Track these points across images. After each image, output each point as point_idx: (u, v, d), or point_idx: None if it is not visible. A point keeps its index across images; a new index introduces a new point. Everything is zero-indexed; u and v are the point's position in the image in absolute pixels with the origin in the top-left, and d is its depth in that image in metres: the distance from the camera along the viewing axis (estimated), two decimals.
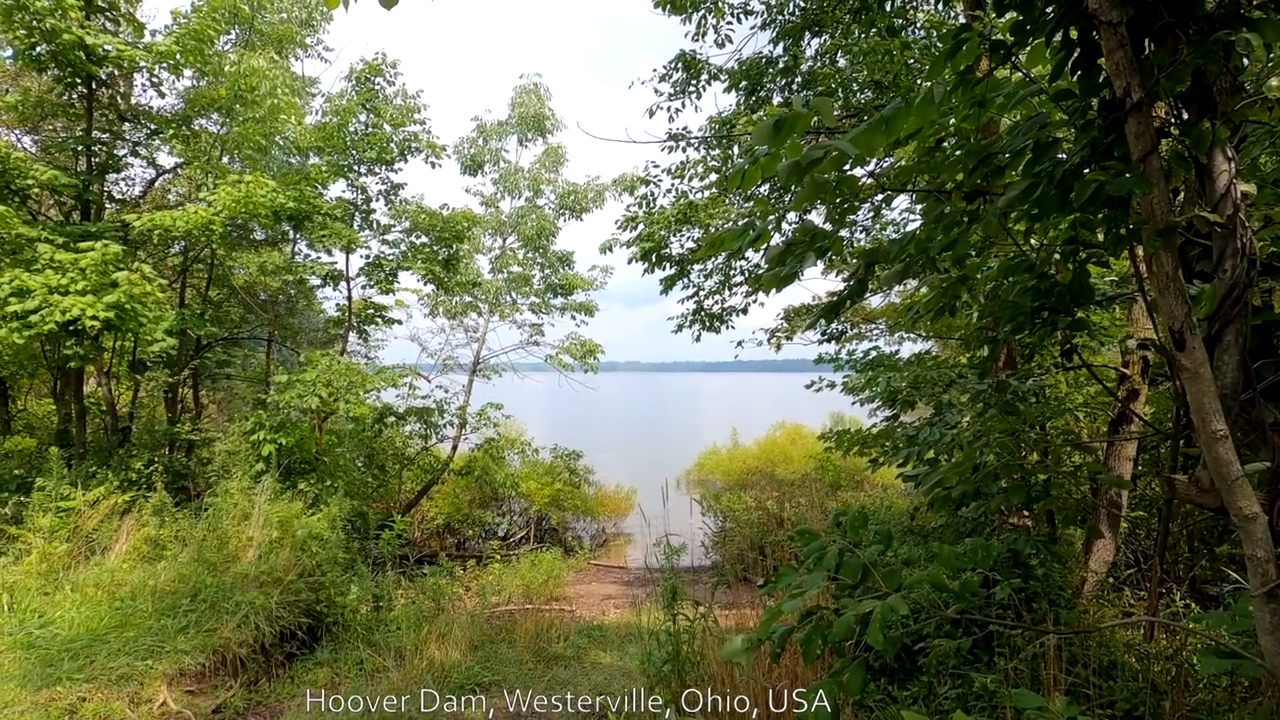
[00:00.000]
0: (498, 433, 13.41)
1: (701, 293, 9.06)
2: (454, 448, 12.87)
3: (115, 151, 8.34)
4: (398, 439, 12.61)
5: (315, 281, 9.93)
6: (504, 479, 12.94)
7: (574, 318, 14.08)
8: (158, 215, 7.52)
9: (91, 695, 4.24)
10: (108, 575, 5.80)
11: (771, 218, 2.90)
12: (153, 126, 8.36)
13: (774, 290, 2.66)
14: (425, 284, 10.11)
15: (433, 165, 9.16)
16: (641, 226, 7.55)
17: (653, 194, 7.82)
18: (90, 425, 9.92)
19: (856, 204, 2.98)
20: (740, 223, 2.49)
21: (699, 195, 7.48)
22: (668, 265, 8.04)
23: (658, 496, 19.39)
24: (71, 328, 6.72)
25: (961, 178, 2.73)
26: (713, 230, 7.23)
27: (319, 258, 9.56)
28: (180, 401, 9.56)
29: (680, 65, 7.07)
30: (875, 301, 11.86)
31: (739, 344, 8.84)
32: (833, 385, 10.12)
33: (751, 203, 7.42)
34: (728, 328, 9.38)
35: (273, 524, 6.88)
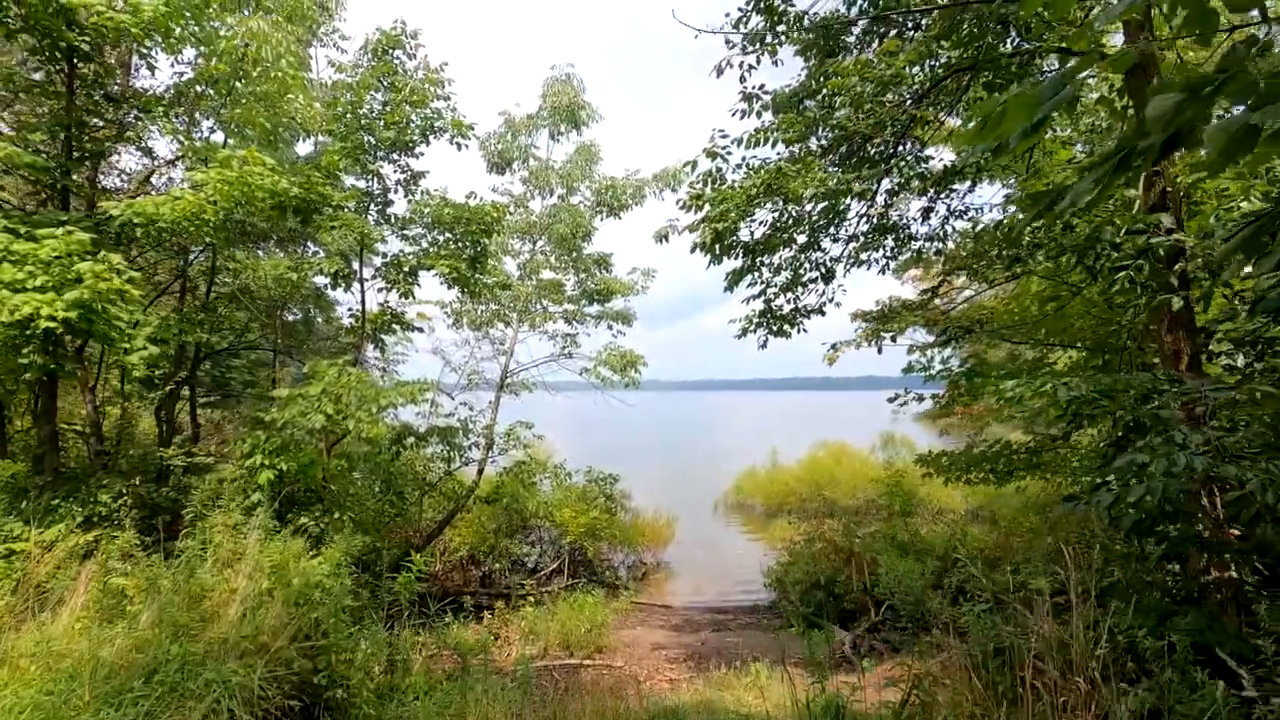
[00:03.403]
0: (528, 455, 12.10)
1: (770, 289, 7.71)
2: (480, 471, 11.58)
3: (95, 133, 7.28)
4: (418, 462, 11.37)
5: (323, 281, 8.76)
6: (536, 507, 11.60)
7: (610, 327, 12.80)
8: (139, 202, 6.41)
9: None
10: (49, 644, 4.54)
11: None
12: (139, 106, 7.29)
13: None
14: (449, 287, 8.88)
15: (459, 146, 7.99)
16: (708, 207, 6.25)
17: (719, 169, 6.52)
18: (73, 449, 8.83)
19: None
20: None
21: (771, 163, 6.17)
22: (736, 255, 6.71)
23: (696, 522, 17.90)
24: (28, 331, 5.58)
25: None
26: (806, 202, 5.89)
27: (329, 254, 8.40)
28: (168, 422, 8.41)
29: (758, 6, 5.80)
30: (958, 301, 10.40)
31: (833, 347, 7.40)
32: (921, 398, 8.64)
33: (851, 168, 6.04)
34: (800, 331, 8.01)
35: (264, 571, 5.60)
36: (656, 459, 33.82)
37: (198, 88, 7.62)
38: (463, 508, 11.44)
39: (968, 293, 10.66)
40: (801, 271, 7.76)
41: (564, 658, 8.14)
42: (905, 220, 7.74)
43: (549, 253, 12.71)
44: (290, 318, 12.84)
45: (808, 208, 6.79)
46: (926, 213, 7.79)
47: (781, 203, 6.02)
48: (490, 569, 11.98)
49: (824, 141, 6.45)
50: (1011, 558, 10.20)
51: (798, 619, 9.85)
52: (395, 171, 8.50)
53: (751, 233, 6.92)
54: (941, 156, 7.49)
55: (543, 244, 12.74)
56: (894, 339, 6.71)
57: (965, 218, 7.86)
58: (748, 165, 6.48)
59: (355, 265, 8.38)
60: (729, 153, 6.40)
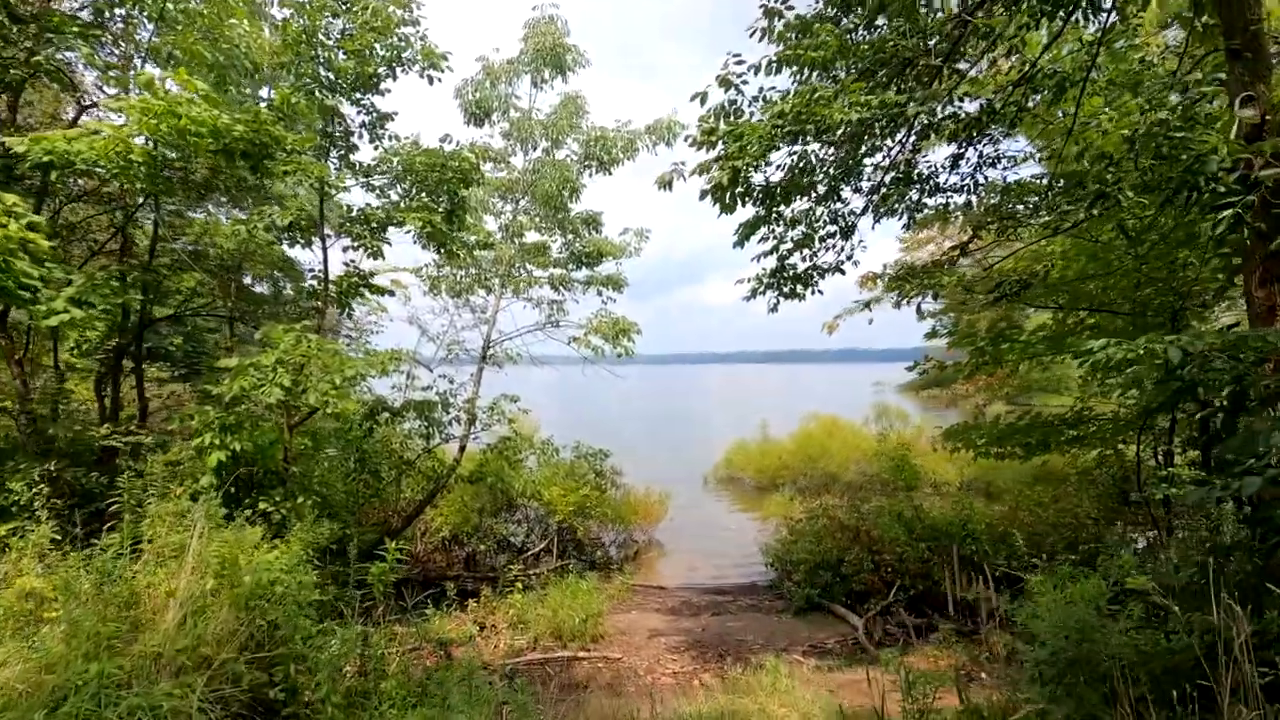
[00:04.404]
0: (513, 430, 11.31)
1: (784, 245, 6.96)
2: (461, 448, 10.78)
3: (2, 60, 6.21)
4: (394, 439, 10.53)
5: (280, 236, 7.78)
6: (523, 486, 10.85)
7: (600, 293, 11.95)
8: (49, 136, 5.40)
9: None
10: None
11: None
12: (50, 27, 6.21)
13: None
14: (424, 246, 7.98)
15: (430, 80, 7.01)
16: (722, 145, 5.42)
17: (733, 102, 5.68)
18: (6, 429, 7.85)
19: None
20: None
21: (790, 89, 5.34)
22: (753, 201, 5.92)
23: (687, 497, 17.31)
24: None
25: None
26: (839, 138, 5.08)
27: (283, 207, 7.41)
28: (112, 397, 7.47)
29: None
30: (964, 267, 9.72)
31: (866, 305, 6.65)
32: (943, 366, 7.99)
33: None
34: (815, 292, 7.30)
35: (209, 567, 4.80)
36: (641, 432, 33.30)
37: (120, 9, 6.54)
38: (444, 487, 10.67)
39: (978, 254, 9.98)
40: (818, 225, 7.02)
41: (556, 649, 7.49)
42: (934, 168, 7.00)
43: (533, 213, 11.77)
44: (258, 289, 11.81)
45: (831, 152, 6.00)
46: (955, 160, 7.05)
47: (807, 139, 5.20)
48: (474, 549, 11.28)
49: (854, 70, 5.63)
50: (1025, 532, 9.71)
51: (799, 600, 9.31)
52: (359, 113, 7.52)
53: (767, 179, 6.12)
54: (979, 97, 6.72)
55: (526, 203, 11.79)
56: (935, 296, 5.99)
57: (998, 167, 7.14)
58: (766, 98, 5.64)
59: (315, 219, 7.43)
60: (745, 82, 5.56)
